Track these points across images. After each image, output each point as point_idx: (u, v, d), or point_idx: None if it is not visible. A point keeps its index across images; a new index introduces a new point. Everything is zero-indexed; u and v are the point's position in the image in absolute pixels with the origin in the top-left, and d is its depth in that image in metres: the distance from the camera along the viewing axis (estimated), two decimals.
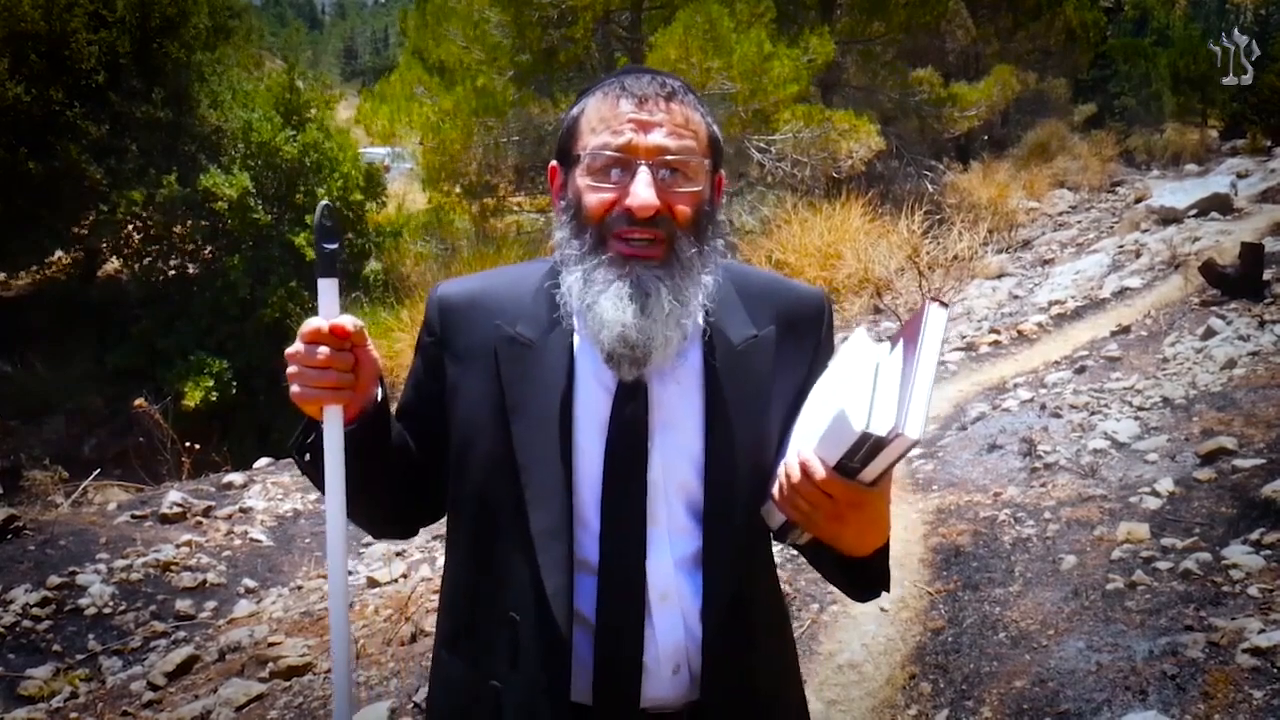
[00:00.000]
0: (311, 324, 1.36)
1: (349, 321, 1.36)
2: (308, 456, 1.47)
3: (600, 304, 1.37)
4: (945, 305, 1.32)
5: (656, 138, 1.38)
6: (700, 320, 1.43)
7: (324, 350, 1.35)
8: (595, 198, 1.39)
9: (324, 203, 1.45)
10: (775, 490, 1.40)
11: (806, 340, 1.53)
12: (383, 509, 1.57)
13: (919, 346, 1.27)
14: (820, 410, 1.39)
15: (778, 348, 1.50)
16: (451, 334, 1.51)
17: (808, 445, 1.36)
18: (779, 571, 1.64)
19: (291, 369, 1.38)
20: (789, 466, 1.36)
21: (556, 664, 1.40)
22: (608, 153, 1.38)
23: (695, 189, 1.41)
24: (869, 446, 1.25)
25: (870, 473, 1.29)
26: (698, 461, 1.44)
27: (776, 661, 1.59)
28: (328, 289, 1.39)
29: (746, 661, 1.49)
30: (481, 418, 1.46)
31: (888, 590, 1.54)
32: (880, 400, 1.26)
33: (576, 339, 1.45)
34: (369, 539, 7.83)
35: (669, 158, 1.38)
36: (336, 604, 1.48)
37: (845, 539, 1.40)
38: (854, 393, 1.29)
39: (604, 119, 1.40)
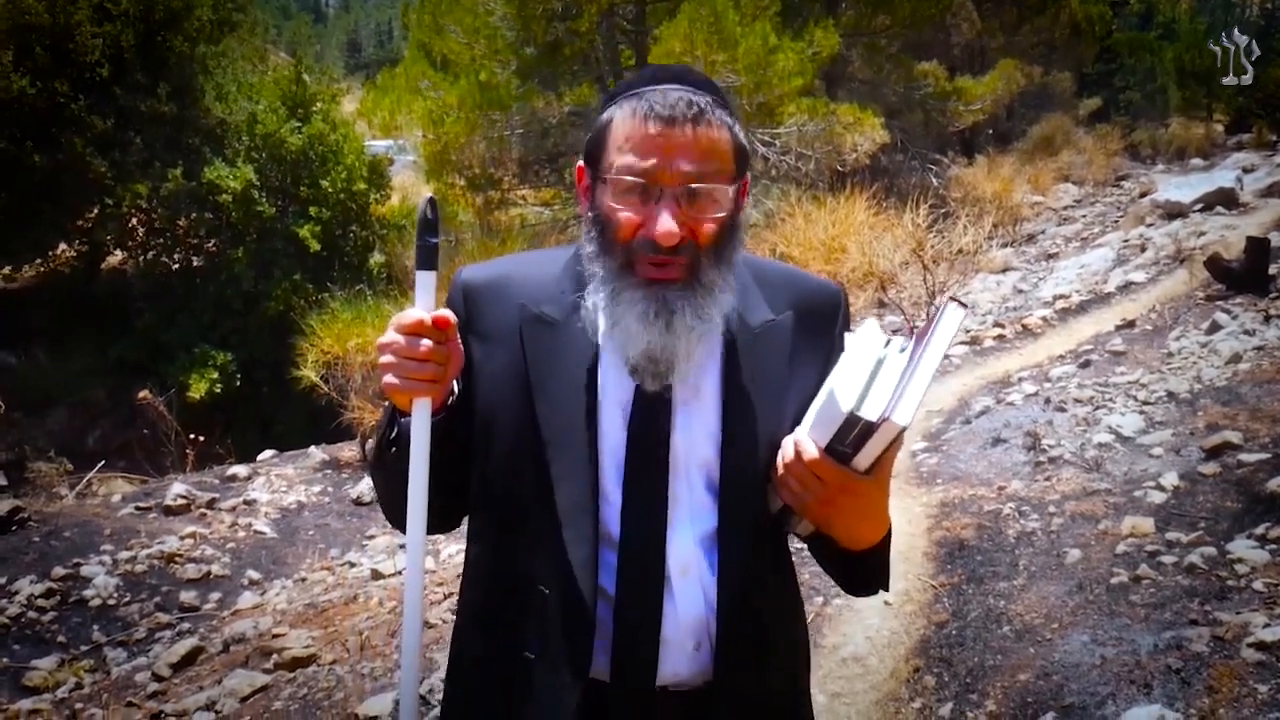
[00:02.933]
0: (413, 315, 1.37)
1: (449, 314, 1.39)
2: (393, 449, 1.48)
3: (626, 322, 1.41)
4: (964, 306, 1.34)
5: (681, 164, 1.39)
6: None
7: (427, 343, 1.37)
8: (621, 218, 1.41)
9: (428, 195, 1.45)
10: (773, 473, 1.45)
11: (823, 334, 1.55)
12: (442, 500, 1.56)
13: (927, 340, 1.29)
14: (820, 395, 1.42)
15: (794, 333, 1.53)
16: (476, 316, 1.54)
17: (804, 427, 1.40)
18: None
19: (386, 359, 1.38)
20: (784, 447, 1.41)
21: (581, 637, 1.43)
22: (632, 178, 1.40)
23: (719, 214, 1.42)
24: (859, 430, 1.28)
25: (863, 460, 1.31)
26: (716, 439, 1.47)
27: (790, 646, 1.61)
28: (427, 282, 1.41)
29: (761, 640, 1.51)
30: (505, 395, 1.49)
31: (885, 588, 1.56)
32: (877, 387, 1.29)
33: (601, 318, 1.47)
34: (373, 531, 7.84)
35: (693, 185, 1.39)
36: (412, 601, 1.47)
37: (836, 526, 1.43)
38: (851, 377, 1.32)
39: (630, 139, 1.41)
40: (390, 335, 1.38)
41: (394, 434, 1.48)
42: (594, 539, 1.44)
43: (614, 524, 1.45)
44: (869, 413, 1.26)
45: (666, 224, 1.37)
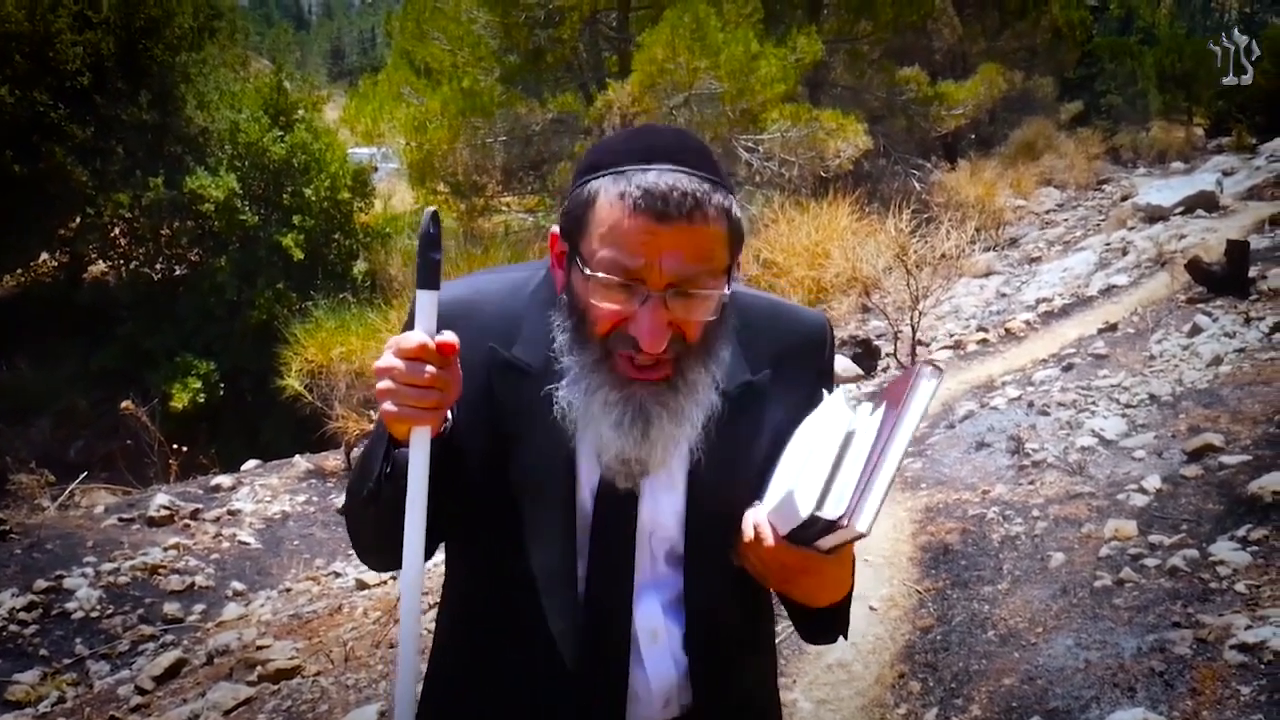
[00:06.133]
0: (414, 339, 1.24)
1: (452, 337, 1.26)
2: (387, 483, 1.37)
3: (599, 425, 1.32)
4: (940, 371, 1.27)
5: (672, 264, 1.25)
6: None
7: (430, 369, 1.24)
8: (602, 310, 1.29)
9: (431, 209, 1.31)
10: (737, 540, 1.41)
11: (804, 372, 1.49)
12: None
13: (898, 422, 1.22)
14: (784, 473, 1.36)
15: (773, 388, 1.45)
16: None
17: (764, 509, 1.34)
18: None
19: (385, 385, 1.25)
20: (744, 525, 1.35)
21: (557, 709, 1.39)
22: (617, 277, 1.26)
23: (709, 317, 1.31)
24: (819, 527, 1.23)
25: (826, 543, 1.27)
26: (680, 513, 1.42)
27: (760, 677, 1.59)
28: (428, 302, 1.28)
29: (730, 680, 1.48)
30: (474, 444, 1.39)
31: (845, 637, 1.53)
32: (839, 480, 1.22)
33: (573, 410, 1.38)
34: None
35: (686, 289, 1.27)
36: (408, 637, 1.37)
37: (794, 594, 1.39)
38: (813, 467, 1.25)
39: (615, 229, 1.26)
40: (389, 360, 1.24)
41: (389, 467, 1.34)
42: (574, 611, 1.38)
43: (580, 592, 1.39)
44: (830, 512, 1.20)
45: (653, 332, 1.26)
